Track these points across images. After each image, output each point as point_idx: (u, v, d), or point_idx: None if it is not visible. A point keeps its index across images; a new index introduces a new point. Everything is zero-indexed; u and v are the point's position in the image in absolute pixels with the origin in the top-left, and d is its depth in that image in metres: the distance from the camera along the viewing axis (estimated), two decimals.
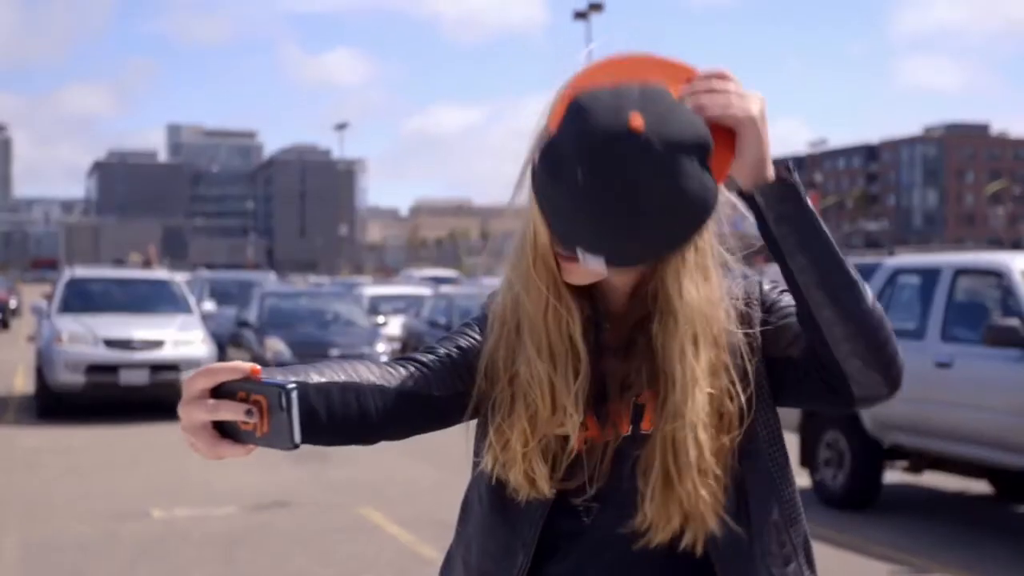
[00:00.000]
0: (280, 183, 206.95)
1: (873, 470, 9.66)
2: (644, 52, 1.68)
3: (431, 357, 1.82)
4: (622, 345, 1.76)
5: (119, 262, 43.95)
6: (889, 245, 60.08)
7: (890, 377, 1.65)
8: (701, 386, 1.67)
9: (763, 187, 1.62)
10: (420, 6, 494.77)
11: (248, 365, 1.51)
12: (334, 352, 16.34)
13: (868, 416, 9.43)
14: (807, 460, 10.09)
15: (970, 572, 7.50)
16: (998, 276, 9.04)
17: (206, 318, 17.95)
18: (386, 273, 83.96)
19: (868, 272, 10.16)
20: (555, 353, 1.72)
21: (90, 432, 13.76)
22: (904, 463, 9.77)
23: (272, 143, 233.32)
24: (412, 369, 1.79)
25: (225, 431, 1.54)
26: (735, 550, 1.73)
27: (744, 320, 1.76)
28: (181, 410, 1.52)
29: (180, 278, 20.78)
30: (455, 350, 1.83)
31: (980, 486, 9.86)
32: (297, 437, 1.46)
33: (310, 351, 15.20)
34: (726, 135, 1.59)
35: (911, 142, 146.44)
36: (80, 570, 7.48)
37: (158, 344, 15.15)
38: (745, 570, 1.73)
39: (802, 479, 10.02)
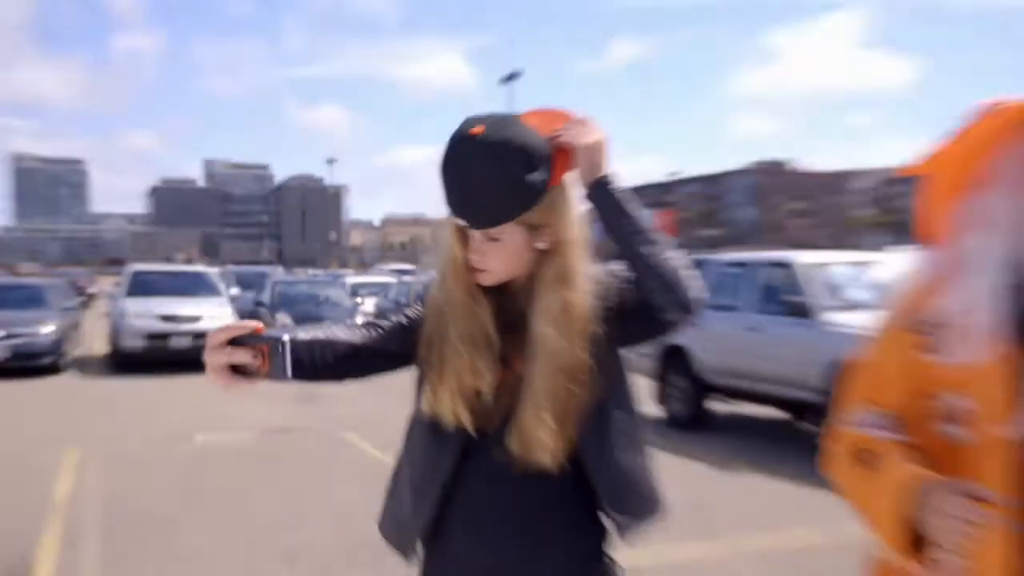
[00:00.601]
0: (287, 202, 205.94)
1: (703, 402, 9.84)
2: (549, 107, 1.84)
3: (387, 323, 1.86)
4: (516, 323, 1.77)
5: (168, 259, 43.15)
6: (720, 247, 60.49)
7: (682, 306, 1.71)
8: (555, 354, 1.71)
9: (591, 186, 1.73)
10: (386, 73, 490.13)
11: (254, 323, 1.64)
12: (325, 323, 15.93)
13: (700, 364, 9.61)
14: (660, 396, 10.19)
15: (770, 472, 7.62)
16: (787, 267, 9.23)
17: (233, 300, 17.76)
18: (364, 267, 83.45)
19: (704, 265, 10.37)
20: (473, 336, 1.75)
21: (148, 382, 13.67)
22: (725, 397, 9.89)
23: (280, 173, 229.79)
24: (373, 331, 1.83)
25: (237, 371, 1.63)
26: (595, 452, 1.76)
27: (600, 296, 1.76)
28: (207, 356, 1.61)
29: (213, 271, 20.62)
30: (405, 319, 1.86)
31: (778, 413, 9.99)
32: (289, 373, 1.61)
33: (308, 322, 15.14)
34: (570, 153, 1.76)
35: (738, 174, 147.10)
36: (143, 477, 7.52)
37: (197, 318, 15.07)
38: (604, 464, 1.76)
39: (655, 410, 10.29)
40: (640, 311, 1.75)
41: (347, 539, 5.32)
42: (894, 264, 8.01)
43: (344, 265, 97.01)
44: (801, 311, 8.44)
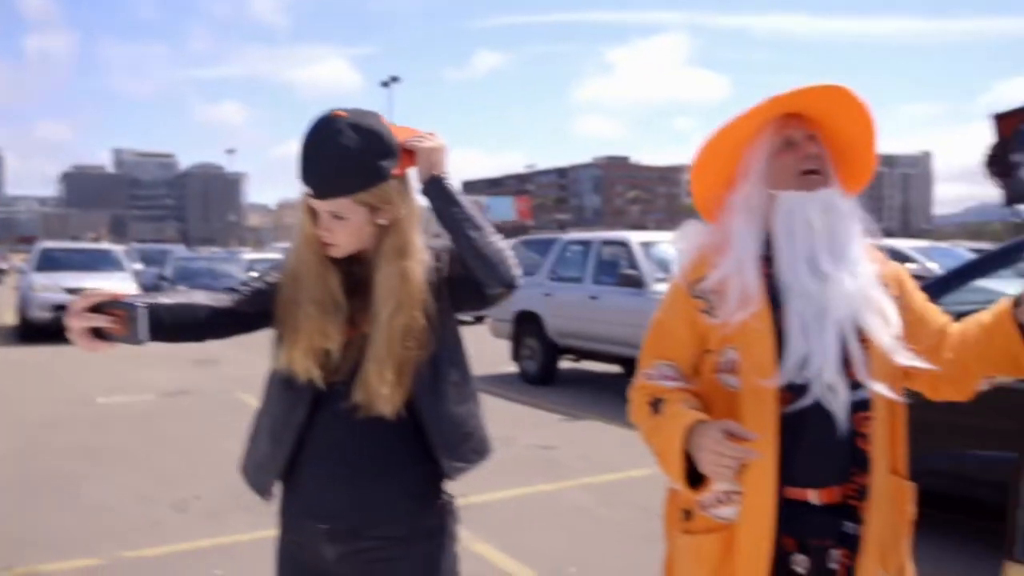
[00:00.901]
0: (191, 188, 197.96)
1: (553, 361, 9.83)
2: (403, 126, 1.81)
3: (246, 288, 1.81)
4: (362, 288, 1.75)
5: (75, 238, 41.05)
6: (570, 229, 61.65)
7: (501, 283, 1.72)
8: (394, 316, 1.70)
9: (427, 181, 1.74)
10: (280, 75, 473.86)
11: (112, 291, 1.54)
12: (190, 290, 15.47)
13: (550, 328, 9.64)
14: (515, 355, 10.19)
15: (610, 420, 7.67)
16: (624, 245, 9.32)
17: (137, 274, 16.99)
18: (260, 246, 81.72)
19: (555, 243, 10.46)
20: (323, 301, 1.73)
21: (54, 350, 12.81)
22: (572, 356, 9.93)
23: (185, 161, 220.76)
24: (233, 295, 1.78)
25: (98, 333, 1.54)
26: (429, 402, 1.75)
27: (433, 270, 1.77)
28: (68, 319, 1.53)
29: (119, 248, 19.66)
30: (263, 284, 1.82)
31: (616, 368, 10.16)
32: (144, 336, 1.51)
33: None
34: (415, 154, 1.76)
35: (585, 167, 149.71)
36: (49, 437, 7.02)
37: None
38: (436, 412, 1.75)
39: (512, 368, 10.32)
40: (466, 284, 1.76)
41: (233, 486, 5.00)
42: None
43: (243, 244, 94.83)
44: (634, 282, 8.54)
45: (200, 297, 1.74)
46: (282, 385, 1.78)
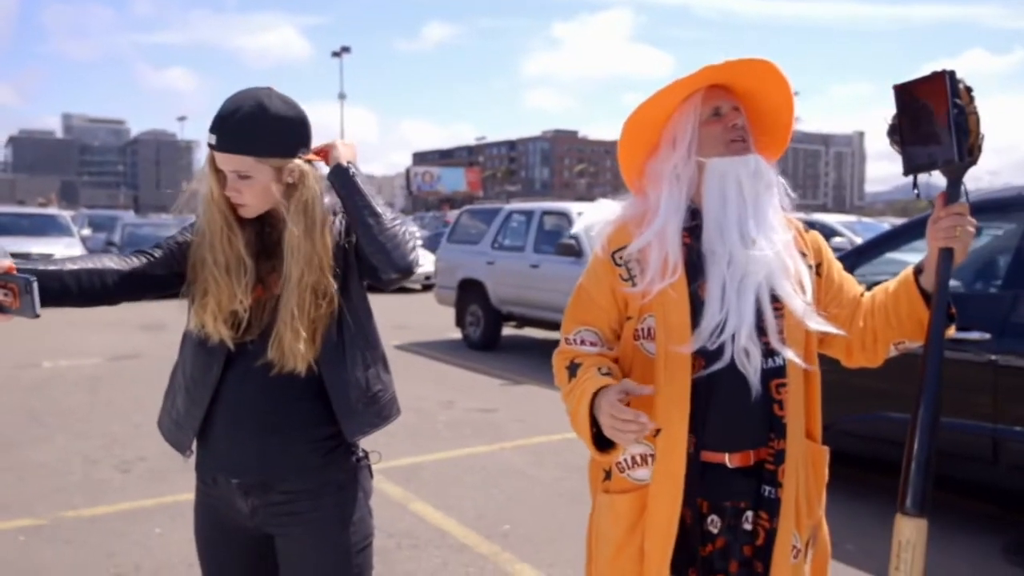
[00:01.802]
0: (142, 155, 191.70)
1: (496, 327, 9.86)
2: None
3: (158, 251, 1.79)
4: (274, 249, 1.76)
5: (21, 203, 39.69)
6: (519, 199, 61.49)
7: (396, 269, 1.72)
8: (304, 274, 1.70)
9: (332, 170, 1.76)
10: (229, 41, 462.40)
11: (6, 264, 1.50)
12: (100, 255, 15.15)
13: (493, 295, 9.66)
14: (459, 322, 10.19)
15: (547, 383, 7.70)
16: (565, 215, 9.40)
17: (85, 240, 16.61)
18: None
19: (497, 213, 10.46)
20: (228, 263, 1.71)
21: None
22: (513, 323, 9.97)
23: (136, 127, 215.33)
24: (143, 258, 1.76)
25: None
26: (334, 365, 1.75)
27: (341, 232, 1.78)
28: None
29: (67, 214, 19.12)
30: (175, 245, 1.80)
31: (556, 335, 10.26)
32: (38, 310, 1.49)
33: None
34: (328, 150, 1.80)
35: (535, 140, 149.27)
36: None
37: (49, 256, 13.84)
38: (340, 376, 1.75)
39: (456, 334, 10.35)
40: (366, 264, 1.77)
41: None
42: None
43: (194, 211, 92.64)
44: (573, 252, 8.58)
45: (110, 262, 1.70)
46: (197, 344, 1.77)
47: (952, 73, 1.60)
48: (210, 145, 1.70)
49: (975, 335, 3.78)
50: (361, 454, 1.86)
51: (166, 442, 1.88)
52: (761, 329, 1.64)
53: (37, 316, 1.48)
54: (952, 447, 3.91)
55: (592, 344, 1.73)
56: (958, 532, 4.04)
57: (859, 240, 10.25)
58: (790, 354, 1.64)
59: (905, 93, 1.68)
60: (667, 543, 1.63)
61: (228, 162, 1.68)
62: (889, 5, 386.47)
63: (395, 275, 1.73)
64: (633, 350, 1.70)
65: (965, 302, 4.33)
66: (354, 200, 1.73)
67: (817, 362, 1.73)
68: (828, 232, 12.95)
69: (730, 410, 1.65)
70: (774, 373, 1.65)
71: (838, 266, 1.82)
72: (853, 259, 4.40)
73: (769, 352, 1.65)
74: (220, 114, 1.68)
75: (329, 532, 1.77)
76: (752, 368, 1.62)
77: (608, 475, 1.74)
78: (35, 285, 1.47)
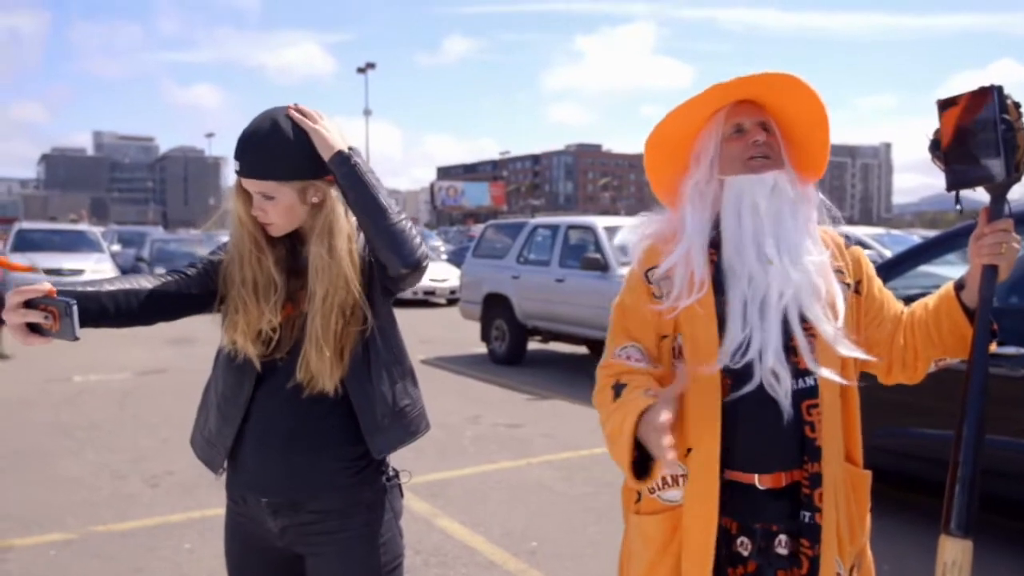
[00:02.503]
0: (170, 171, 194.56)
1: (521, 342, 9.82)
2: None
3: (192, 270, 1.79)
4: (303, 266, 1.75)
5: (53, 219, 40.22)
6: (543, 214, 61.54)
7: (406, 263, 1.66)
8: (329, 294, 1.69)
9: (330, 159, 1.67)
10: (252, 59, 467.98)
11: (47, 287, 1.50)
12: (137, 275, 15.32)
13: (518, 310, 9.65)
14: (485, 336, 10.18)
15: (574, 398, 7.74)
16: (590, 229, 9.36)
17: (115, 255, 16.81)
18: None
19: (522, 228, 10.45)
20: (257, 283, 1.72)
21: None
22: (539, 337, 9.94)
23: (164, 145, 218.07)
24: (177, 277, 1.76)
25: (34, 328, 1.52)
26: (359, 381, 1.74)
27: (364, 250, 1.76)
28: (5, 315, 1.50)
29: (97, 230, 19.37)
30: (209, 264, 1.80)
31: (581, 349, 10.22)
32: (77, 333, 1.49)
33: None
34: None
35: (558, 154, 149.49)
36: (25, 415, 6.96)
37: (80, 271, 13.92)
38: (365, 392, 1.74)
39: (481, 348, 10.34)
40: (377, 265, 1.74)
41: None
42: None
43: (223, 227, 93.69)
44: (598, 266, 8.56)
45: (146, 282, 1.71)
46: (228, 363, 1.77)
47: (1000, 88, 1.57)
48: (236, 171, 1.71)
49: (1011, 350, 3.70)
50: (391, 473, 1.85)
51: (199, 459, 1.88)
52: (791, 349, 1.60)
53: (77, 339, 1.48)
54: (989, 464, 3.84)
55: (638, 360, 1.68)
56: (996, 553, 3.95)
57: (888, 253, 10.12)
58: (825, 372, 1.59)
59: (949, 108, 1.64)
60: (705, 564, 1.60)
61: (252, 184, 1.69)
62: (915, 16, 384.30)
63: (405, 271, 1.67)
64: (671, 370, 1.67)
65: (1000, 317, 4.26)
66: (359, 191, 1.66)
67: (856, 381, 1.68)
68: (858, 245, 12.82)
69: (760, 431, 1.61)
70: (806, 394, 1.61)
71: (879, 283, 1.77)
72: (885, 272, 4.33)
73: (800, 372, 1.61)
74: (241, 138, 1.69)
75: (358, 552, 1.76)
76: (782, 390, 1.58)
77: (639, 497, 1.71)
78: (75, 308, 1.48)
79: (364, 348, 1.74)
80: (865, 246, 14.37)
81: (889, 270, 4.43)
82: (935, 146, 1.66)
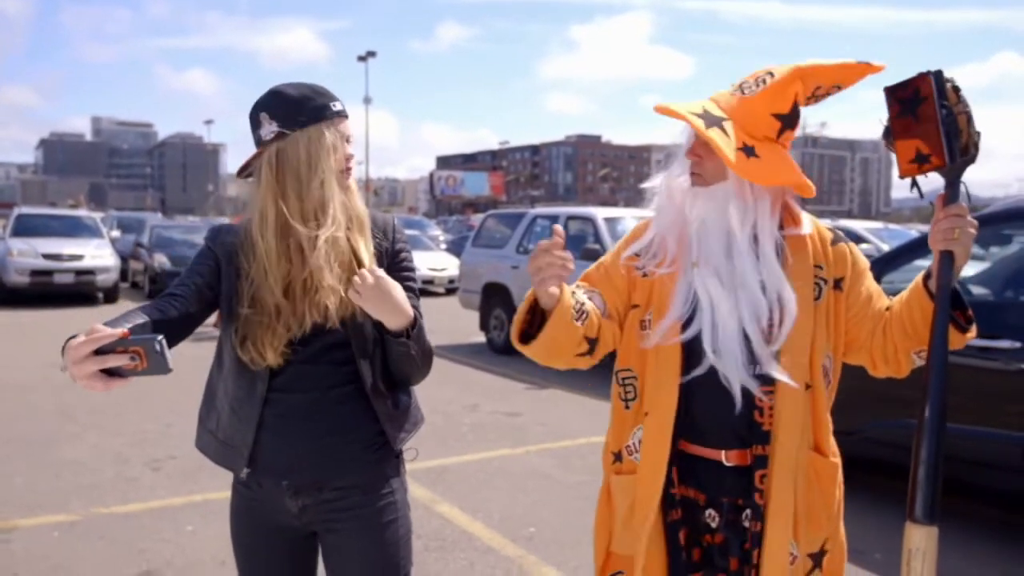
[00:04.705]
0: (169, 157, 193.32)
1: None
2: None
3: (184, 289, 1.73)
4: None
5: (52, 204, 40.02)
6: (542, 204, 61.44)
7: (424, 376, 1.83)
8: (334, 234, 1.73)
9: (395, 332, 1.75)
10: (246, 44, 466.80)
11: (120, 331, 1.43)
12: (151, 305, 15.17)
13: (517, 299, 9.60)
14: (484, 326, 10.21)
15: (571, 388, 7.79)
16: (590, 220, 9.40)
17: (114, 241, 16.73)
18: (238, 216, 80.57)
19: (522, 218, 10.46)
20: (289, 287, 1.73)
21: (33, 314, 12.70)
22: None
23: (163, 131, 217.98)
24: (179, 303, 1.69)
25: (111, 372, 1.45)
26: (373, 377, 1.78)
27: (381, 234, 1.83)
28: (73, 368, 1.41)
29: (96, 215, 19.35)
30: (200, 281, 1.75)
31: None
32: (171, 366, 1.44)
33: (182, 262, 14.33)
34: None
35: (558, 145, 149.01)
36: (26, 399, 7.00)
37: (80, 257, 14.00)
38: (379, 386, 1.79)
39: (480, 338, 10.37)
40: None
41: None
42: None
43: (221, 213, 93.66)
44: (599, 257, 8.54)
45: (171, 309, 1.67)
46: (239, 368, 1.75)
47: (939, 73, 1.57)
48: (340, 114, 1.76)
49: (1005, 344, 3.74)
50: (398, 450, 1.90)
51: (215, 463, 1.87)
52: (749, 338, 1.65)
53: (171, 370, 1.44)
54: (983, 456, 3.89)
55: (594, 303, 1.75)
56: (989, 542, 4.01)
57: (886, 247, 10.16)
58: (775, 372, 1.63)
59: (895, 95, 1.64)
60: (646, 521, 1.70)
61: (348, 126, 1.79)
62: (917, 9, 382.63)
63: (405, 385, 1.86)
64: (635, 339, 1.76)
65: (995, 311, 4.31)
66: (420, 342, 1.76)
67: (822, 376, 1.69)
68: (854, 239, 12.85)
69: (713, 410, 1.68)
70: (763, 380, 1.65)
71: (868, 280, 1.77)
72: (881, 267, 4.38)
73: (756, 360, 1.65)
74: (314, 88, 1.76)
75: (380, 524, 1.82)
76: (734, 375, 1.63)
77: (618, 457, 1.80)
78: (164, 343, 1.42)
79: (374, 342, 1.78)
80: (863, 240, 14.39)
81: (886, 264, 4.48)
82: (887, 133, 1.67)
